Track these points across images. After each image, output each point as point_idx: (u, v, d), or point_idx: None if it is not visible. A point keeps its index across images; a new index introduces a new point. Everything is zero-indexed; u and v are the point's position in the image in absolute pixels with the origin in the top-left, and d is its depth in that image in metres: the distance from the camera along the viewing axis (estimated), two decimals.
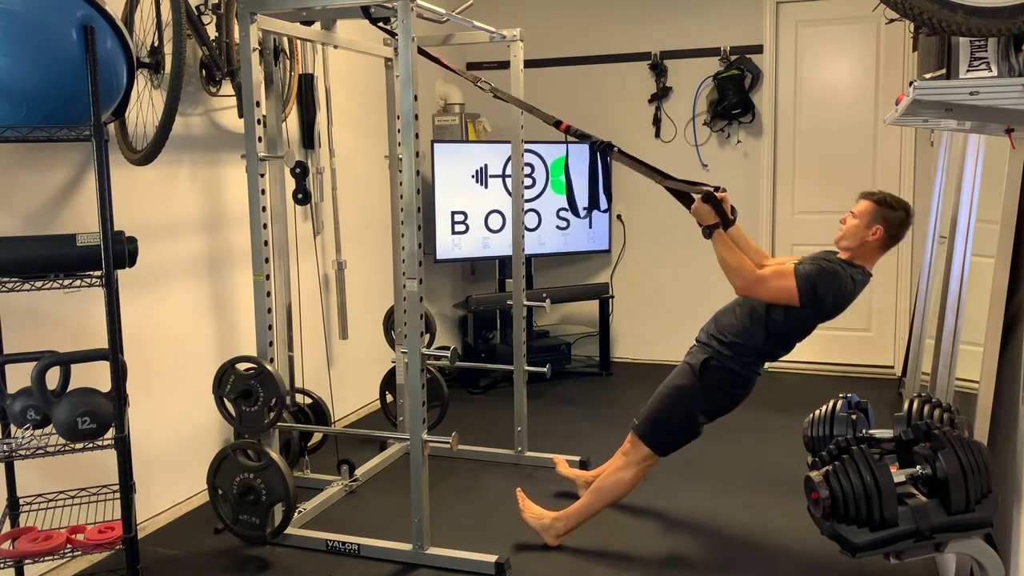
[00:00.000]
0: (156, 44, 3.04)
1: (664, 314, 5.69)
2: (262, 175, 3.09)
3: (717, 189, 2.90)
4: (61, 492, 2.64)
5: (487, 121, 5.61)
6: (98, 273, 2.34)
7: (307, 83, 4.05)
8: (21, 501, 2.60)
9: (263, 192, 3.09)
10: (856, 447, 2.05)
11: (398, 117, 3.56)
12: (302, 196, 3.86)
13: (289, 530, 3.09)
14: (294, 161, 3.78)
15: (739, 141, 5.45)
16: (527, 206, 5.10)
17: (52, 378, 2.32)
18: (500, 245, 5.21)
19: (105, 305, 2.32)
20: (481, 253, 5.25)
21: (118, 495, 2.40)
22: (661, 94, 5.56)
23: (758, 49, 5.35)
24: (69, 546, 2.40)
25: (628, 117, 5.61)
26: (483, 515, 3.40)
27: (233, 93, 3.47)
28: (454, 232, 5.11)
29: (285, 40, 3.74)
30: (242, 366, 3.09)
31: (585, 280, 5.80)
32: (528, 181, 5.24)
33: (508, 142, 3.93)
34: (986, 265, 2.54)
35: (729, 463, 3.92)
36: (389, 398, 4.28)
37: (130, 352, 2.74)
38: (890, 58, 5.15)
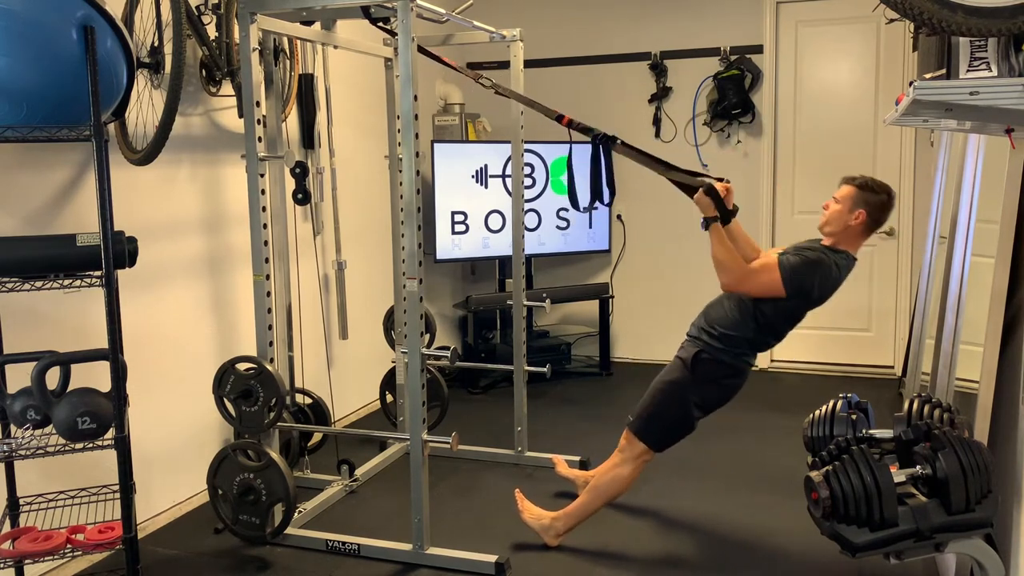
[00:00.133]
0: (156, 44, 3.04)
1: (664, 314, 5.68)
2: (262, 175, 3.09)
3: (719, 180, 2.91)
4: (61, 492, 2.64)
5: (487, 121, 5.61)
6: (98, 273, 2.34)
7: (307, 83, 4.05)
8: (21, 501, 2.60)
9: (263, 192, 3.09)
10: (856, 447, 2.05)
11: (398, 117, 3.57)
12: (302, 196, 3.86)
13: (289, 530, 3.09)
14: (294, 161, 3.78)
15: (739, 141, 5.45)
16: (527, 206, 5.10)
17: (52, 378, 2.32)
18: (500, 245, 5.21)
19: (105, 305, 2.32)
20: (481, 253, 5.25)
21: (118, 495, 2.40)
22: (661, 94, 5.56)
23: (758, 49, 5.35)
24: (69, 546, 2.40)
25: (628, 117, 5.61)
26: (483, 515, 3.40)
27: (233, 93, 3.47)
28: (454, 232, 5.11)
29: (285, 40, 3.74)
30: (242, 366, 3.09)
31: (585, 280, 5.80)
32: (528, 181, 5.24)
33: (508, 142, 3.93)
34: (986, 265, 2.54)
35: (729, 463, 3.92)
36: (389, 398, 4.28)
37: (130, 352, 2.74)
38: (890, 58, 5.15)
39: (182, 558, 3.07)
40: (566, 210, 5.46)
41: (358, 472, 3.70)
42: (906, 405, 2.36)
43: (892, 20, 3.68)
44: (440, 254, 5.08)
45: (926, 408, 2.29)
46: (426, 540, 2.99)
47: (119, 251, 2.38)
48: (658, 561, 3.03)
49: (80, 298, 2.78)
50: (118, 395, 2.36)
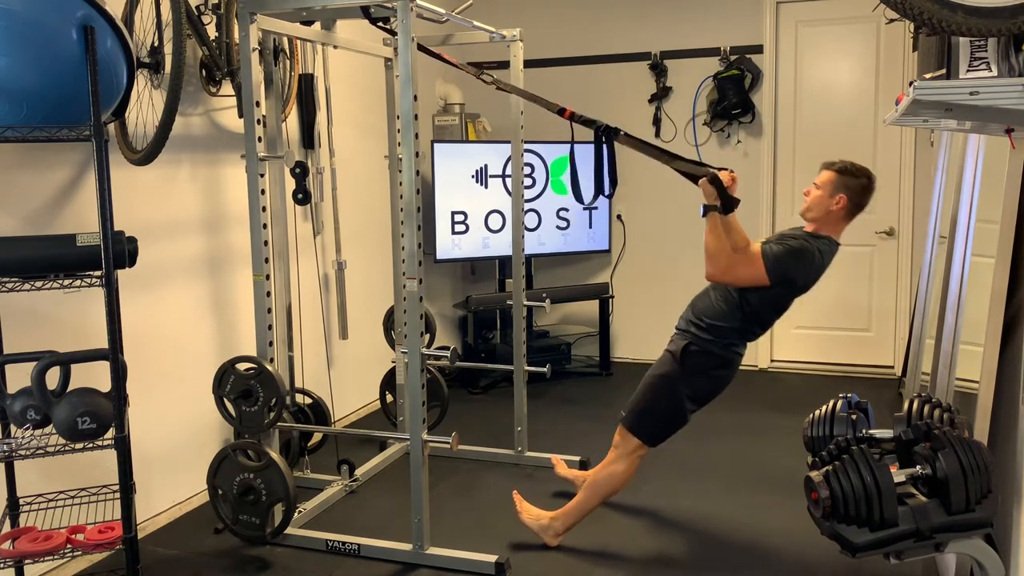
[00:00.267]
0: (156, 44, 3.04)
1: (664, 314, 5.63)
2: (262, 175, 3.09)
3: (722, 170, 2.93)
4: (61, 492, 2.64)
5: (487, 121, 5.61)
6: (98, 273, 2.34)
7: (307, 83, 4.05)
8: (21, 501, 2.60)
9: (263, 192, 3.09)
10: (856, 447, 2.05)
11: (398, 117, 3.56)
12: (302, 196, 3.86)
13: (289, 530, 3.09)
14: (294, 161, 3.78)
15: (739, 141, 5.45)
16: (527, 206, 5.10)
17: (52, 378, 2.32)
18: (500, 245, 5.21)
19: (105, 305, 2.32)
20: (481, 253, 5.25)
21: (118, 495, 2.40)
22: (661, 94, 5.56)
23: (758, 49, 5.35)
24: (69, 546, 2.40)
25: (628, 117, 5.60)
26: (483, 515, 3.40)
27: (233, 93, 3.47)
28: (454, 232, 5.11)
29: (285, 40, 3.74)
30: (242, 366, 3.09)
31: (585, 280, 5.80)
32: (528, 181, 5.24)
33: (508, 142, 3.93)
34: (986, 265, 2.54)
35: (729, 463, 3.92)
36: (389, 398, 4.28)
37: (130, 352, 2.74)
38: (890, 58, 5.15)
39: (182, 558, 3.07)
40: (566, 210, 5.46)
41: (358, 472, 3.70)
42: (906, 405, 2.36)
43: (892, 20, 3.68)
44: (440, 254, 5.08)
45: (926, 408, 2.29)
46: (426, 540, 2.99)
47: (119, 251, 2.38)
48: (658, 561, 3.03)
49: (80, 298, 2.78)
50: (118, 395, 2.36)
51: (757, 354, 5.57)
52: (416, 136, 2.85)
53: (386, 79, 4.00)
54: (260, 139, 3.06)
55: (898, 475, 2.02)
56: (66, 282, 2.35)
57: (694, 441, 4.15)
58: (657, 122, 5.58)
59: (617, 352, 5.81)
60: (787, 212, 5.47)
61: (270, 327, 3.14)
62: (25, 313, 2.72)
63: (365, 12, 3.16)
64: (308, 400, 3.83)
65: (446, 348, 3.06)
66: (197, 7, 3.26)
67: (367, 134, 4.63)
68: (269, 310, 3.13)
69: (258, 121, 3.03)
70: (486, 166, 5.18)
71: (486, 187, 5.19)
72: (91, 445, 2.35)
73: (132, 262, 2.47)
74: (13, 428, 2.43)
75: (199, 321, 3.53)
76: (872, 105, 5.22)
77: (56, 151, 2.86)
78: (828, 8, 5.24)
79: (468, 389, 5.19)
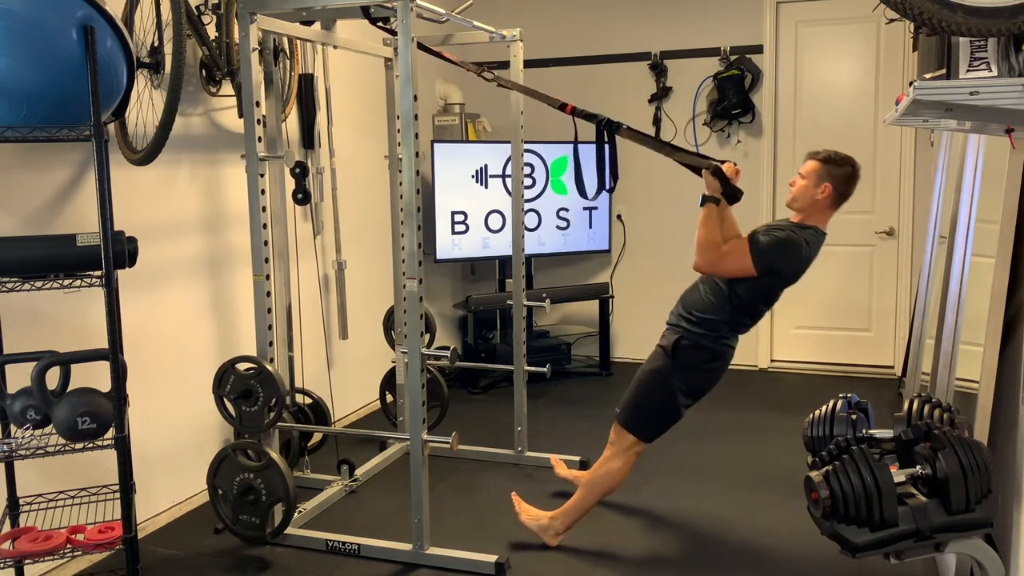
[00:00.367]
0: (156, 44, 3.04)
1: (664, 314, 5.61)
2: (262, 175, 3.09)
3: (724, 163, 2.94)
4: (61, 492, 2.64)
5: (487, 121, 5.61)
6: (98, 273, 2.34)
7: (307, 83, 4.05)
8: (21, 501, 2.60)
9: (263, 192, 3.09)
10: (856, 447, 2.05)
11: (398, 117, 3.57)
12: (302, 196, 3.86)
13: (289, 530, 3.09)
14: (294, 161, 3.78)
15: (739, 141, 5.45)
16: (527, 206, 5.10)
17: (52, 378, 2.32)
18: (500, 245, 5.21)
19: (105, 305, 2.32)
20: (481, 253, 5.25)
21: (118, 495, 2.40)
22: (661, 94, 5.56)
23: (758, 49, 5.35)
24: (69, 546, 2.40)
25: (628, 117, 5.51)
26: (483, 515, 3.40)
27: (233, 93, 3.47)
28: (454, 232, 5.11)
29: (285, 40, 3.74)
30: (242, 366, 3.09)
31: (585, 280, 5.80)
32: (528, 181, 5.24)
33: (508, 142, 3.93)
34: (986, 265, 2.54)
35: (729, 463, 3.92)
36: (389, 398, 4.28)
37: (130, 352, 2.74)
38: (890, 58, 5.15)
39: (182, 558, 3.07)
40: (566, 210, 5.46)
41: (358, 472, 3.70)
42: (906, 405, 2.36)
43: (892, 20, 3.68)
44: (440, 254, 5.08)
45: (926, 408, 2.29)
46: (426, 540, 2.99)
47: (119, 251, 2.38)
48: (658, 561, 3.03)
49: (80, 298, 2.78)
50: (118, 395, 2.36)
51: (757, 354, 5.57)
52: (416, 136, 2.85)
53: (386, 79, 4.00)
54: (260, 139, 3.06)
55: (898, 475, 2.02)
56: (66, 282, 2.35)
57: (694, 441, 4.16)
58: (657, 122, 5.58)
59: (617, 352, 5.81)
60: (787, 212, 5.45)
61: (270, 327, 3.14)
62: (25, 313, 2.72)
63: (365, 12, 3.16)
64: (308, 400, 3.83)
65: (446, 348, 3.06)
66: (197, 7, 3.26)
67: (367, 134, 4.63)
68: (269, 310, 3.13)
69: (258, 121, 3.03)
70: (486, 166, 5.18)
71: (486, 187, 5.19)
72: (91, 445, 2.35)
73: (132, 262, 2.47)
74: (13, 428, 2.43)
75: (199, 321, 3.53)
76: (872, 105, 5.22)
77: (56, 151, 2.86)
78: (828, 8, 5.24)
79: (468, 389, 5.19)
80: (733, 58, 5.36)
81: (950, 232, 3.28)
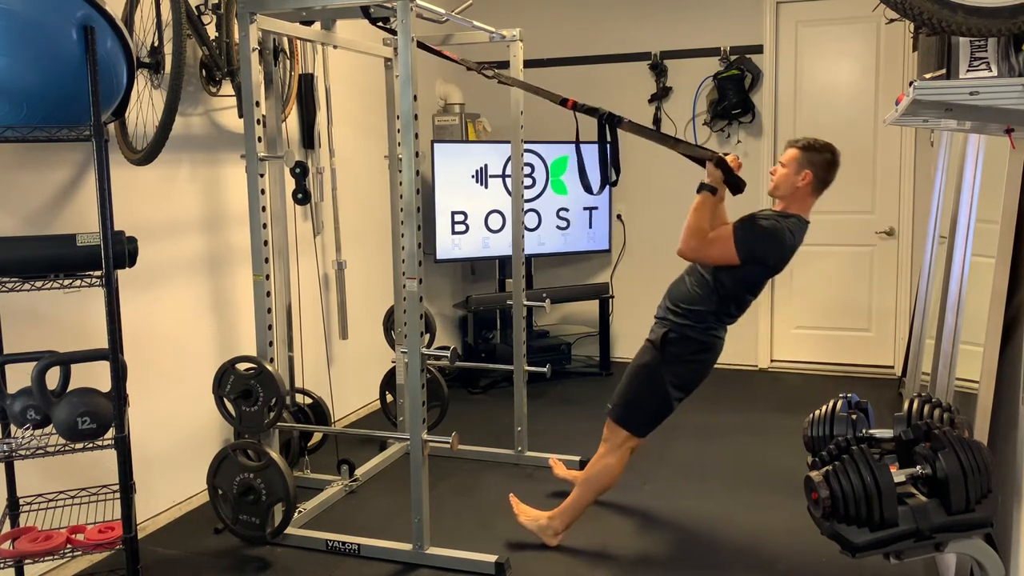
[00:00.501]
0: (156, 44, 3.04)
1: None
2: (262, 175, 3.09)
3: (726, 155, 2.96)
4: (61, 492, 2.64)
5: (487, 121, 5.61)
6: (98, 273, 2.34)
7: (307, 83, 4.05)
8: (21, 501, 2.60)
9: (263, 192, 3.09)
10: (856, 447, 2.05)
11: (398, 117, 3.56)
12: (302, 196, 3.86)
13: (289, 530, 3.09)
14: (294, 161, 3.78)
15: (739, 141, 5.45)
16: (527, 206, 5.10)
17: (52, 378, 2.32)
18: (500, 245, 5.21)
19: (105, 305, 2.32)
20: (481, 253, 5.25)
21: (118, 495, 2.40)
22: (661, 94, 5.56)
23: (758, 49, 5.35)
24: (69, 546, 2.40)
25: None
26: (483, 515, 3.40)
27: (233, 93, 3.47)
28: (454, 232, 5.11)
29: (285, 40, 3.74)
30: (242, 366, 3.09)
31: (585, 280, 5.80)
32: (528, 181, 5.24)
33: (508, 142, 3.93)
34: (986, 265, 2.54)
35: (729, 463, 3.92)
36: (389, 398, 4.28)
37: (130, 352, 2.74)
38: (890, 58, 5.15)
39: (182, 558, 3.07)
40: (566, 210, 5.46)
41: (358, 472, 3.70)
42: (906, 405, 2.36)
43: (892, 20, 3.68)
44: (440, 254, 5.08)
45: (926, 408, 2.29)
46: (426, 540, 2.99)
47: (119, 251, 2.38)
48: (658, 561, 3.03)
49: (80, 298, 2.78)
50: (118, 395, 2.36)
51: (757, 354, 5.57)
52: (416, 136, 2.85)
53: (386, 79, 4.00)
54: (260, 139, 3.06)
55: (898, 475, 2.02)
56: (66, 282, 2.35)
57: (694, 441, 4.16)
58: (657, 122, 5.58)
59: (617, 352, 5.81)
60: None
61: (270, 327, 3.14)
62: (25, 313, 2.72)
63: (365, 12, 3.16)
64: (308, 400, 3.83)
65: (446, 348, 3.06)
66: (197, 7, 3.26)
67: (367, 134, 4.63)
68: (269, 310, 3.13)
69: (258, 121, 3.03)
70: (486, 166, 5.18)
71: (486, 187, 5.19)
72: (91, 445, 2.35)
73: (132, 262, 2.47)
74: (13, 428, 2.43)
75: (199, 321, 3.53)
76: (872, 105, 5.22)
77: (56, 151, 2.86)
78: (828, 8, 5.24)
79: (468, 389, 5.19)
80: (733, 58, 5.36)
81: (950, 232, 3.28)
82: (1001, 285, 2.37)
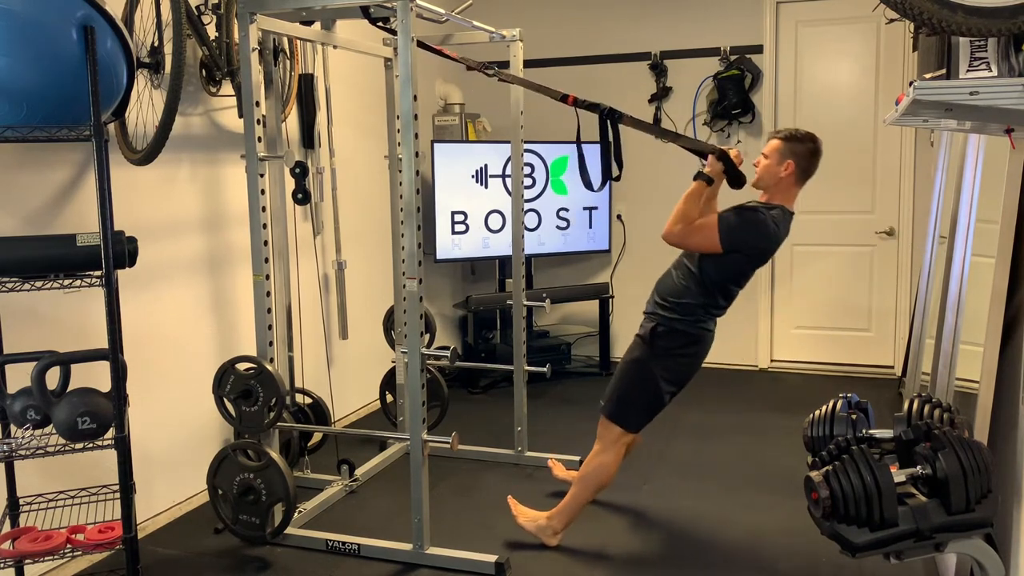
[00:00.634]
0: (156, 44, 3.04)
1: None
2: (262, 175, 3.09)
3: (729, 149, 2.99)
4: (61, 492, 2.64)
5: (487, 121, 5.61)
6: (98, 273, 2.34)
7: (307, 83, 4.05)
8: (21, 501, 2.60)
9: (263, 192, 3.09)
10: (856, 447, 2.05)
11: (398, 117, 3.57)
12: (302, 196, 3.86)
13: (289, 530, 3.09)
14: (294, 161, 3.78)
15: (739, 141, 5.45)
16: (527, 206, 5.10)
17: (52, 378, 2.32)
18: (500, 245, 5.21)
19: (105, 305, 2.32)
20: (481, 253, 5.25)
21: (118, 495, 2.40)
22: (661, 94, 5.56)
23: (758, 49, 5.35)
24: (69, 546, 2.40)
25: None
26: (483, 515, 3.40)
27: (233, 93, 3.47)
28: (454, 232, 5.11)
29: (285, 40, 3.74)
30: (242, 366, 3.09)
31: (585, 280, 5.80)
32: (528, 181, 5.24)
33: (508, 142, 3.93)
34: (986, 265, 2.54)
35: (729, 463, 3.92)
36: (389, 398, 4.28)
37: (130, 352, 2.74)
38: (890, 58, 5.15)
39: (182, 558, 3.07)
40: (566, 210, 5.46)
41: (358, 472, 3.70)
42: (906, 405, 2.36)
43: (892, 20, 3.68)
44: (440, 254, 5.08)
45: (926, 408, 2.29)
46: (426, 540, 2.99)
47: (119, 251, 2.38)
48: (658, 561, 3.03)
49: (80, 298, 2.78)
50: (118, 395, 2.36)
51: (757, 354, 5.57)
52: (416, 136, 2.85)
53: (386, 79, 4.00)
54: (260, 139, 3.06)
55: (898, 475, 2.02)
56: (66, 282, 2.35)
57: (694, 441, 4.16)
58: (657, 122, 5.57)
59: (617, 352, 5.79)
60: None
61: (270, 327, 3.14)
62: (25, 313, 2.72)
63: (365, 12, 3.16)
64: (308, 400, 3.83)
65: (446, 348, 3.06)
66: (197, 7, 3.26)
67: (367, 134, 4.63)
68: (269, 310, 3.13)
69: (258, 121, 3.03)
70: (486, 166, 5.18)
71: (486, 187, 5.19)
72: (91, 445, 2.35)
73: (132, 262, 2.47)
74: (13, 428, 2.43)
75: (199, 321, 3.53)
76: (872, 105, 5.22)
77: (56, 151, 2.86)
78: (828, 8, 5.24)
79: (468, 389, 5.19)
80: (733, 58, 5.36)
81: (950, 232, 3.28)
82: (1001, 285, 2.37)
